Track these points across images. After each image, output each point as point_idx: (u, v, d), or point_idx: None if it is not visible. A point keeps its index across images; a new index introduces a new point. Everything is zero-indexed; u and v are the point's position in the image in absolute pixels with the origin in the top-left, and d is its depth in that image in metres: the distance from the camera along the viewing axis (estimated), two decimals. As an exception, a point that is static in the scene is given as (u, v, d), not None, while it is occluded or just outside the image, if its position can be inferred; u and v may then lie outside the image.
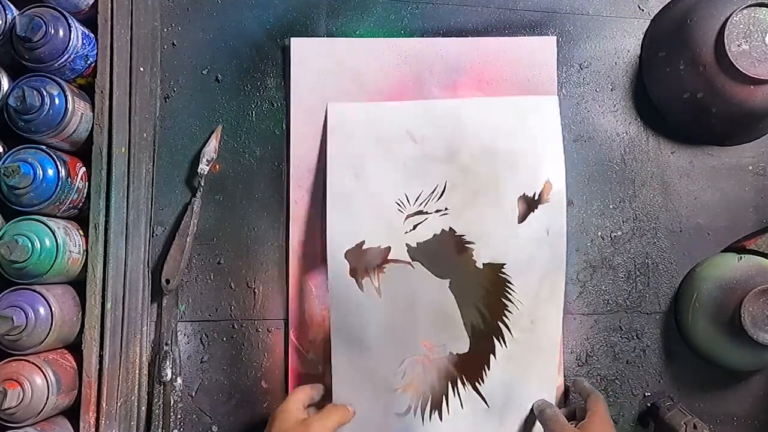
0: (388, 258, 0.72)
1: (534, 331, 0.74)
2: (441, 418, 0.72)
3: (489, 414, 0.73)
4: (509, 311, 0.73)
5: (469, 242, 0.73)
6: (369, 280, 0.72)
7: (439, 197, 0.74)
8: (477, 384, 0.73)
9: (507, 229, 0.73)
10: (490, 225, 0.73)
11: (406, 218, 0.73)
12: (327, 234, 0.73)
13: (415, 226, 0.73)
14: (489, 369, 0.73)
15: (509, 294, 0.73)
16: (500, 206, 0.73)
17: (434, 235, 0.73)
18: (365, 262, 0.72)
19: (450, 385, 0.73)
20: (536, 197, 0.73)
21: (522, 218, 0.73)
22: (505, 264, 0.72)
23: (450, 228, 0.73)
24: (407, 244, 0.73)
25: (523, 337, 0.73)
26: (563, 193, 0.74)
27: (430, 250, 0.73)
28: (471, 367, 0.73)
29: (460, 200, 0.73)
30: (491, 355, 0.73)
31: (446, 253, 0.73)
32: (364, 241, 0.73)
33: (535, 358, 0.74)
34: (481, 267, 0.72)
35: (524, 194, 0.73)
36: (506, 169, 0.73)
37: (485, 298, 0.73)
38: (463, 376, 0.73)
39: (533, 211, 0.73)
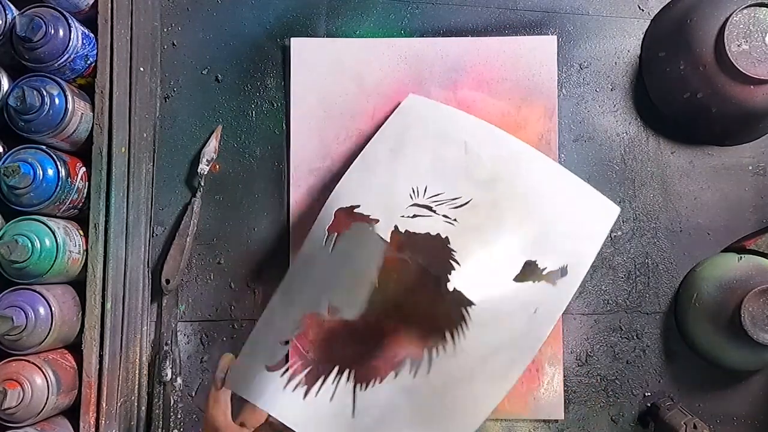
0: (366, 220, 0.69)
1: (454, 390, 0.65)
2: (305, 396, 0.64)
3: (348, 425, 0.64)
4: (444, 349, 0.65)
5: (455, 260, 0.67)
6: (334, 236, 0.69)
7: (455, 207, 0.70)
8: (359, 387, 0.65)
9: (499, 276, 0.67)
10: (485, 261, 0.67)
11: (411, 205, 0.71)
12: (336, 188, 0.72)
13: (414, 216, 0.70)
14: (380, 383, 0.65)
15: (457, 335, 0.65)
16: (505, 253, 0.68)
17: (427, 233, 0.69)
18: (346, 223, 0.70)
19: (336, 370, 0.66)
20: (544, 272, 0.68)
21: (520, 279, 0.67)
22: (474, 305, 0.65)
23: (446, 237, 0.68)
24: (396, 226, 0.69)
25: (438, 385, 0.65)
26: (572, 291, 0.68)
27: (413, 244, 0.68)
28: (368, 371, 0.66)
29: (473, 223, 0.69)
30: (393, 374, 0.65)
31: (428, 254, 0.68)
32: (359, 206, 0.70)
33: (436, 418, 0.65)
34: (450, 290, 0.65)
35: (535, 262, 0.68)
36: (534, 233, 0.69)
37: (431, 320, 0.66)
38: (354, 372, 0.65)
39: (534, 282, 0.67)
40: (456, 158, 0.73)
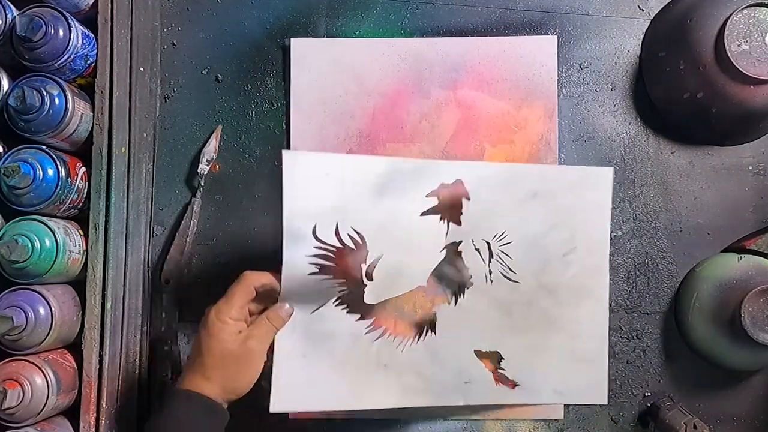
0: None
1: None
2: (309, 273, 0.67)
3: (304, 314, 0.69)
4: (396, 340, 0.73)
5: (456, 298, 0.73)
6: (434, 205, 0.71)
7: (504, 276, 0.72)
8: (340, 304, 0.70)
9: (467, 336, 0.73)
10: (473, 319, 0.73)
11: (485, 240, 0.72)
12: (467, 163, 0.72)
13: (477, 249, 0.72)
14: (346, 312, 0.70)
15: (423, 334, 0.73)
16: (492, 332, 0.73)
17: (462, 271, 0.72)
18: (449, 199, 0.71)
19: (343, 285, 0.69)
20: (499, 366, 0.73)
21: (478, 354, 0.73)
22: (435, 334, 0.72)
23: (471, 280, 0.72)
24: (460, 241, 0.72)
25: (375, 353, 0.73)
26: (499, 399, 0.74)
27: (450, 264, 0.72)
28: (359, 307, 0.71)
29: (499, 298, 0.72)
30: (362, 326, 0.71)
31: (444, 279, 0.72)
32: (470, 200, 0.71)
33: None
34: (431, 313, 0.73)
35: (503, 359, 0.73)
36: (534, 346, 0.74)
37: (416, 309, 0.73)
38: (348, 302, 0.70)
39: (485, 367, 0.73)
40: (554, 252, 0.73)
